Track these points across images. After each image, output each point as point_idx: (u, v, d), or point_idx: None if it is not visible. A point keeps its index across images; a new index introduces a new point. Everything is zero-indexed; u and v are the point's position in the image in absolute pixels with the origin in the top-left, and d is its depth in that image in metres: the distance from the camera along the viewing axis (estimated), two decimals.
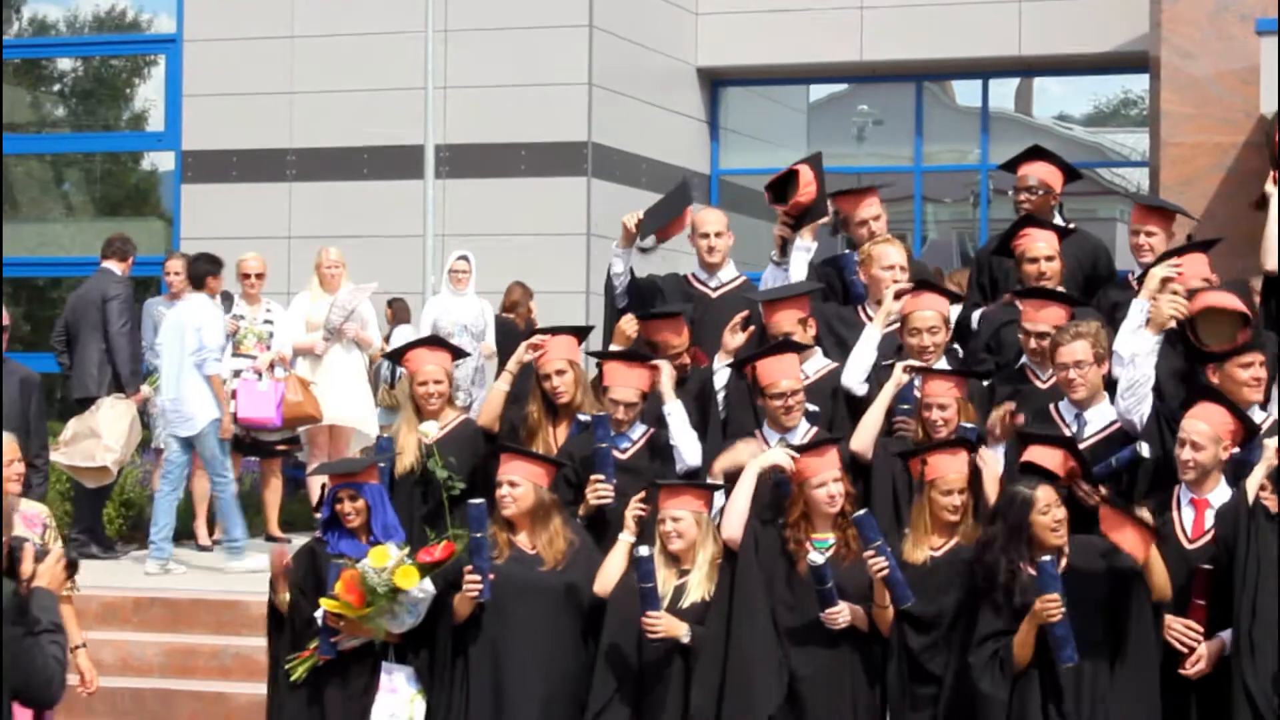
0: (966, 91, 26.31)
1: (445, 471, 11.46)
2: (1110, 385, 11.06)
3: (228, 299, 17.52)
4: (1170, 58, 20.73)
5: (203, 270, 16.61)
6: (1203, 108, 20.20)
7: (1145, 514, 10.08)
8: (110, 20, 26.18)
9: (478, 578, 10.43)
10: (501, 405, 11.98)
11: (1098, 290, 12.49)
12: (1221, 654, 9.87)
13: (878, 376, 11.50)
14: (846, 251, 12.79)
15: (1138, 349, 10.93)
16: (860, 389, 11.71)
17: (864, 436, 11.33)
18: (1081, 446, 10.95)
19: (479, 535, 10.44)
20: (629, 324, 11.94)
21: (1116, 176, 25.54)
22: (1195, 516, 10.41)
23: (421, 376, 11.55)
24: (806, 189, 12.73)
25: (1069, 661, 9.89)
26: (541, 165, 23.32)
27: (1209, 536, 10.33)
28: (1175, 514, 10.47)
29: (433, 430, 11.64)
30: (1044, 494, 9.86)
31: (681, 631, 10.32)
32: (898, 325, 11.51)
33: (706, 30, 25.59)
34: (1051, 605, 9.53)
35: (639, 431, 11.59)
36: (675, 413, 11.47)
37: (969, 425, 10.97)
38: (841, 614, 10.36)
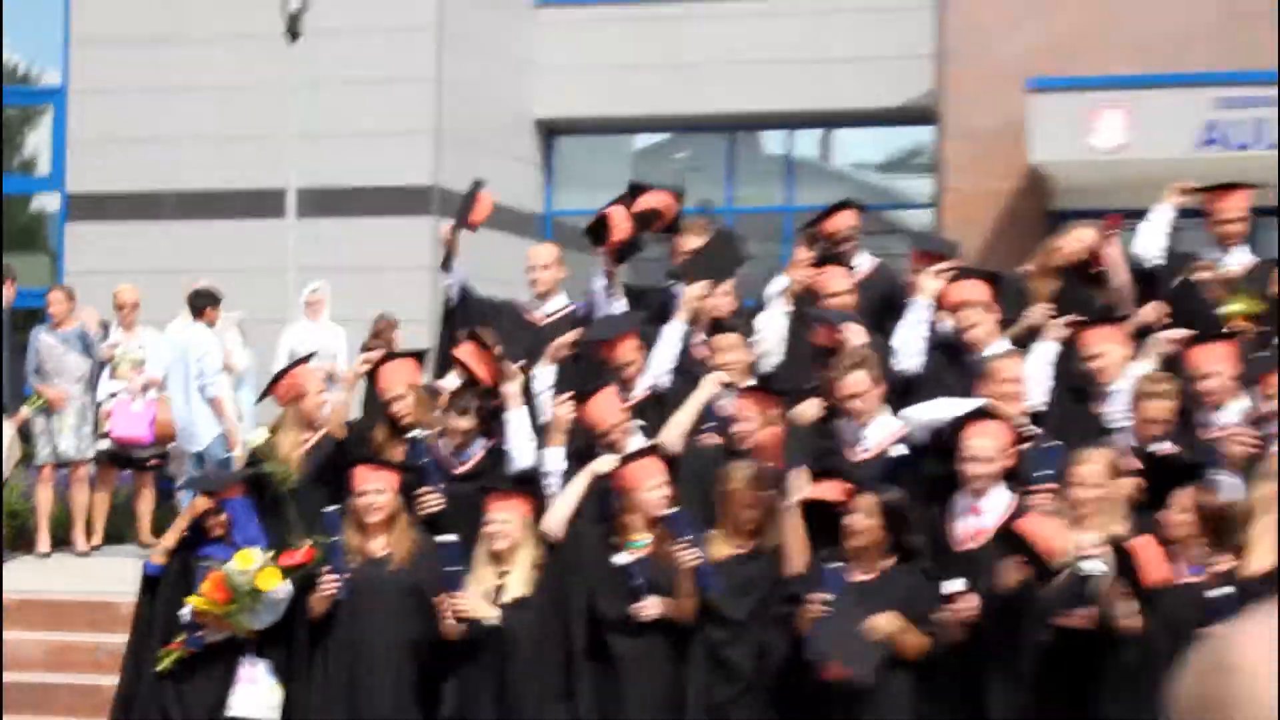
0: (772, 141, 26.35)
1: (278, 467, 11.44)
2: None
3: (105, 328, 17.45)
4: (952, 113, 20.93)
5: (202, 303, 16.91)
6: (979, 158, 20.41)
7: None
8: (3, 73, 25.91)
9: (335, 578, 10.42)
10: (344, 415, 12.03)
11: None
12: None
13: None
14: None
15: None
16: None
17: (673, 434, 11.30)
18: (863, 458, 10.99)
19: (335, 539, 10.53)
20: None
21: (906, 217, 25.66)
22: (974, 522, 10.39)
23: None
24: (620, 229, 12.68)
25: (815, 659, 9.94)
26: (392, 205, 23.26)
27: (984, 541, 10.33)
28: (948, 520, 10.46)
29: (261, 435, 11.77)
30: None
31: (489, 615, 10.32)
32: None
33: (543, 85, 25.56)
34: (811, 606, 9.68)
35: (479, 446, 11.53)
36: (514, 420, 11.41)
37: None
38: (647, 608, 10.33)
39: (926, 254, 12.81)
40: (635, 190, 13.06)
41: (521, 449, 11.41)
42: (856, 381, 11.05)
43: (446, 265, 12.81)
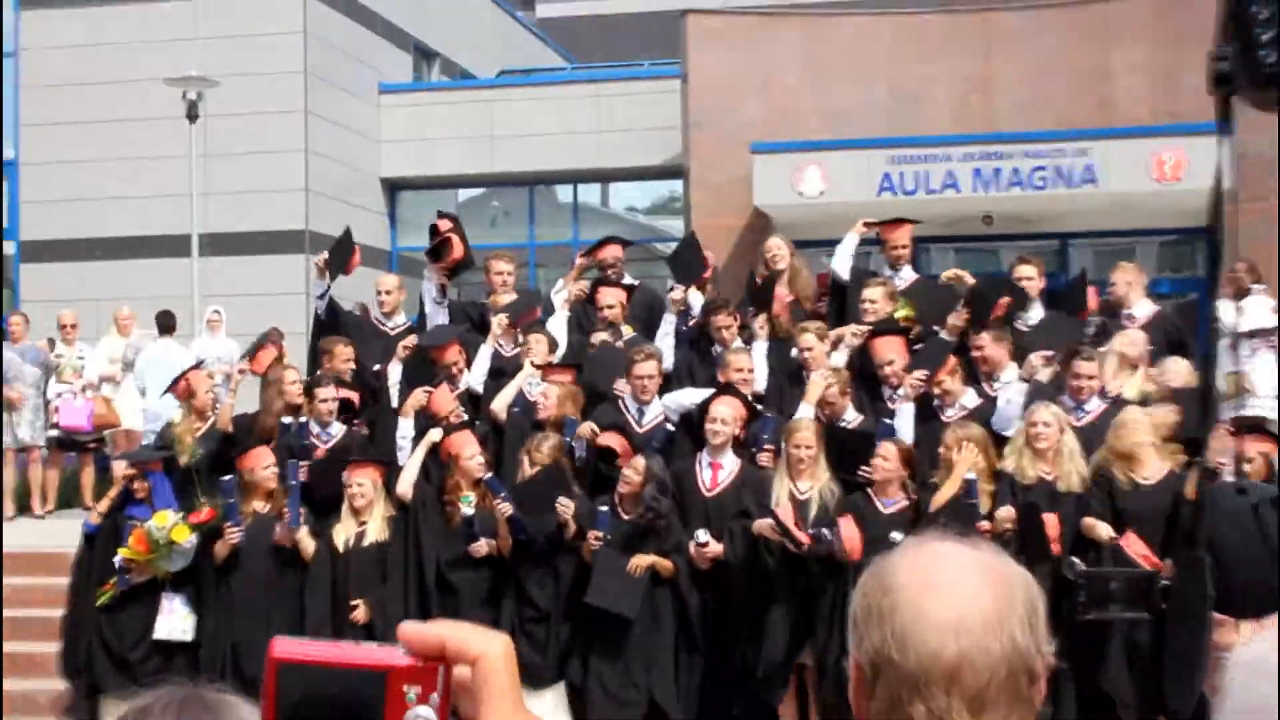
0: (564, 192, 26.46)
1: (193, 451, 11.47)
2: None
3: (51, 343, 17.29)
4: (696, 168, 21.11)
5: (169, 322, 17.45)
6: (717, 202, 20.61)
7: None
8: None
9: (237, 529, 10.45)
10: (230, 411, 12.13)
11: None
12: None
13: None
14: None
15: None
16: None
17: (497, 407, 11.42)
18: (642, 431, 11.13)
19: (231, 501, 10.64)
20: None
21: (664, 248, 25.86)
22: (712, 475, 10.58)
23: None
24: (457, 251, 12.79)
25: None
26: (273, 246, 23.11)
27: (722, 488, 10.50)
28: (697, 470, 10.63)
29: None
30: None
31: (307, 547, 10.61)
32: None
33: (387, 152, 25.53)
34: None
35: (337, 428, 11.54)
36: (404, 428, 11.44)
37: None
38: (480, 548, 10.43)
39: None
40: (441, 217, 13.19)
41: (407, 447, 11.45)
42: (648, 368, 11.21)
43: (323, 287, 12.87)
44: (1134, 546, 9.51)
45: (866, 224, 12.98)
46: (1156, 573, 8.79)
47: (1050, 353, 11.06)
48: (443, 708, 1.20)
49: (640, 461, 10.34)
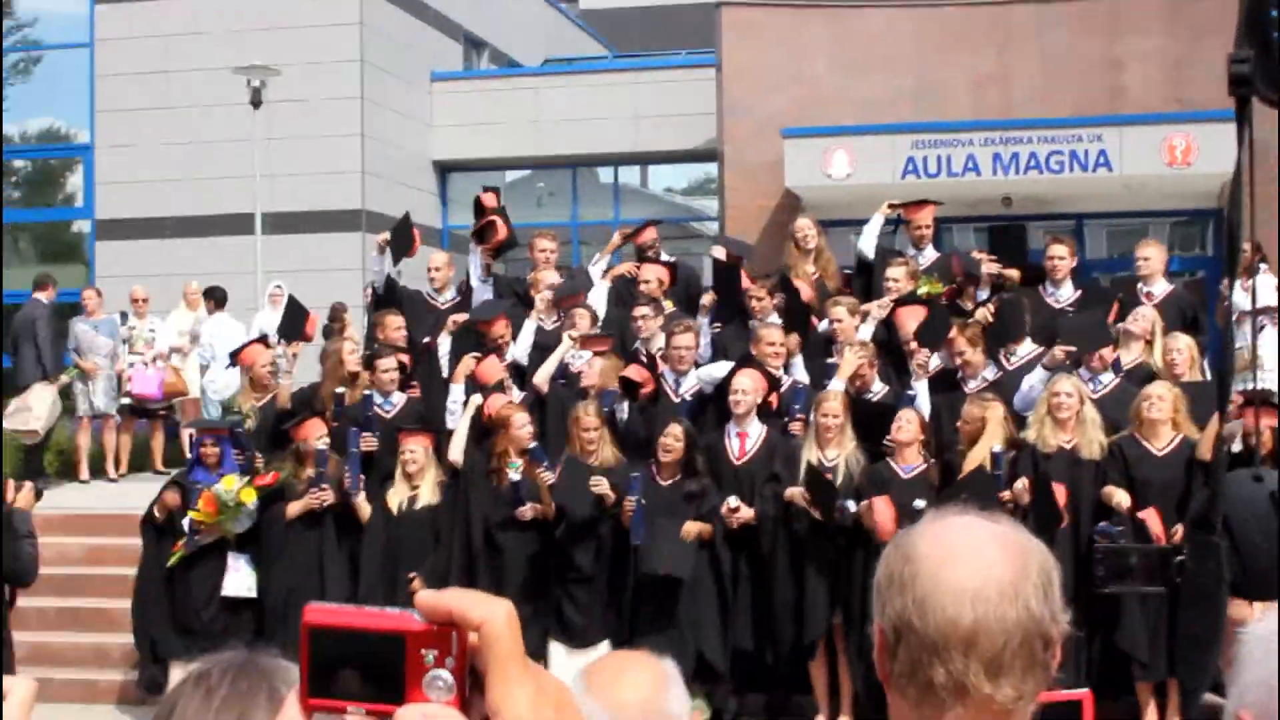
0: (605, 174, 26.40)
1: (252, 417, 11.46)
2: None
3: (124, 316, 17.38)
4: (730, 152, 21.06)
5: (220, 296, 17.79)
6: (750, 184, 20.55)
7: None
8: (50, 134, 25.61)
9: (324, 491, 10.46)
10: (290, 384, 12.11)
11: (698, 299, 12.70)
12: None
13: None
14: None
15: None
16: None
17: (540, 378, 11.42)
18: (677, 401, 11.12)
19: (322, 470, 10.83)
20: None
21: (702, 227, 25.83)
22: (740, 444, 10.56)
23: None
24: (501, 233, 12.81)
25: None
26: (331, 224, 23.13)
27: (750, 456, 10.48)
28: (726, 441, 10.61)
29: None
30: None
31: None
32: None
33: (438, 136, 25.47)
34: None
35: (398, 398, 11.55)
36: (455, 393, 11.42)
37: None
38: (525, 512, 10.44)
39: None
40: (485, 191, 13.20)
41: (457, 411, 11.43)
42: (686, 340, 11.20)
43: (382, 264, 12.90)
44: (1153, 523, 9.45)
45: (891, 205, 12.97)
46: (1174, 549, 8.74)
47: (1073, 349, 10.88)
48: (458, 669, 1.23)
49: (678, 429, 10.32)
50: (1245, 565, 1.55)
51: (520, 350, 12.01)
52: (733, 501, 10.10)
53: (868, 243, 12.74)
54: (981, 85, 20.63)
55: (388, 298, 12.94)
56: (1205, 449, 9.49)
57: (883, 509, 9.74)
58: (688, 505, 10.19)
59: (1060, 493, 9.66)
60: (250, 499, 10.76)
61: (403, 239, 12.90)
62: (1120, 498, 9.72)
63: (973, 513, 2.03)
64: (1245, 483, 1.55)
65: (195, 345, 17.56)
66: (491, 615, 1.24)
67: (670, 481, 10.26)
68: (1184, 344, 10.81)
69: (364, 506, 10.68)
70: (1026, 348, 11.09)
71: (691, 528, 10.07)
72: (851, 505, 9.86)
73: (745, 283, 12.20)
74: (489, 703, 1.23)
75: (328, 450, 10.85)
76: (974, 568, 1.92)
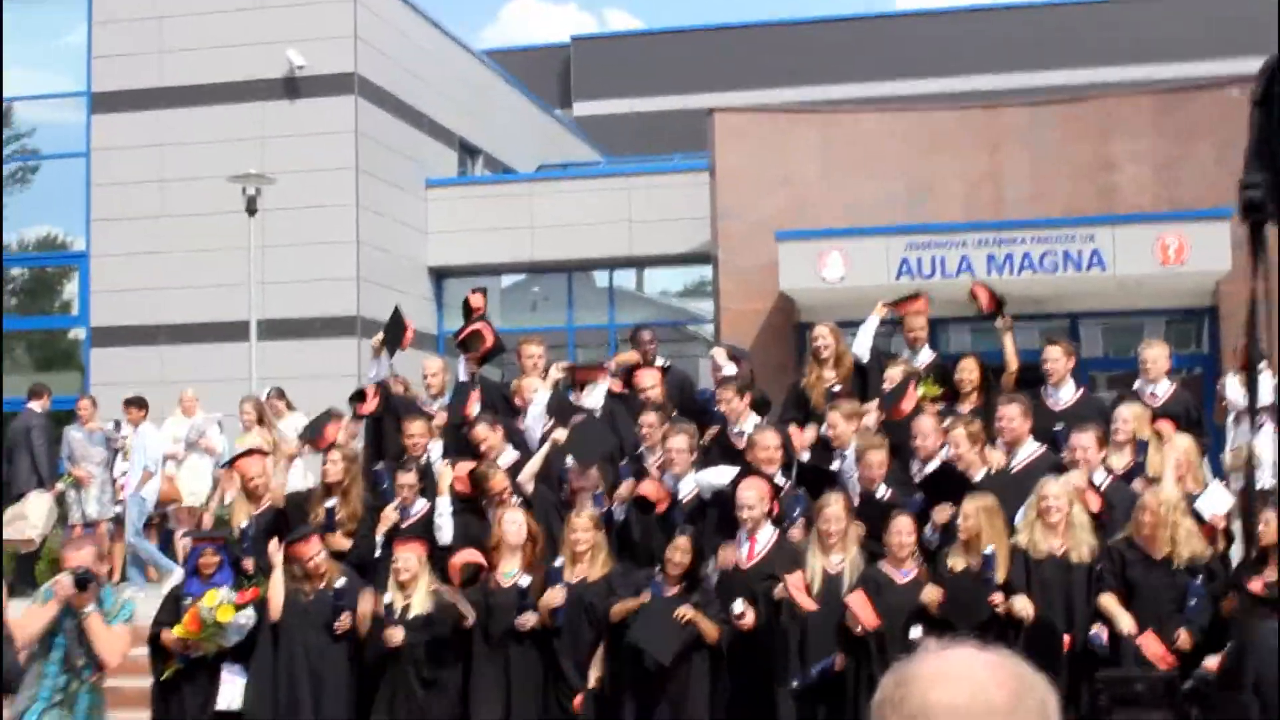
0: (601, 277, 26.38)
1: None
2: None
3: (117, 425, 17.26)
4: (724, 255, 21.04)
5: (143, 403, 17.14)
6: (745, 287, 20.52)
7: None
8: (46, 241, 25.59)
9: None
10: (284, 488, 11.98)
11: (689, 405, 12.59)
12: None
13: None
14: None
15: None
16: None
17: (523, 477, 11.30)
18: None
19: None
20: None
21: (697, 330, 25.76)
22: (749, 548, 10.37)
23: None
24: (487, 341, 12.73)
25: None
26: (327, 331, 23.05)
27: (758, 560, 10.29)
28: (740, 549, 10.42)
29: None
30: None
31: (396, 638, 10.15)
32: None
33: (433, 242, 25.49)
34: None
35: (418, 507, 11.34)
36: (441, 506, 11.25)
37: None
38: (528, 621, 10.24)
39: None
40: (474, 293, 13.13)
41: (445, 529, 11.27)
42: (681, 443, 11.06)
43: (379, 367, 12.82)
44: (1151, 647, 9.26)
45: (886, 305, 12.89)
46: (1178, 674, 8.54)
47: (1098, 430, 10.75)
48: None
49: (685, 541, 10.15)
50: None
51: (532, 420, 11.95)
52: (738, 607, 9.89)
53: (863, 345, 12.64)
54: (974, 186, 20.67)
55: (390, 407, 12.80)
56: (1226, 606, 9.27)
57: (859, 602, 9.64)
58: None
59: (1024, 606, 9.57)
60: (228, 617, 10.53)
61: (395, 331, 12.84)
62: (1124, 623, 9.53)
63: (973, 645, 2.01)
64: (1272, 636, 1.43)
65: (190, 452, 17.39)
66: None
67: (674, 591, 10.08)
68: (1183, 446, 10.64)
69: (396, 634, 10.41)
70: (1028, 448, 10.93)
71: (687, 611, 9.86)
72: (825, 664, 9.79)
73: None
74: None
75: (316, 569, 10.65)
76: (964, 688, 1.90)
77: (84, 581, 8.00)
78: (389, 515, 11.23)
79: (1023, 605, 9.52)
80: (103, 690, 8.55)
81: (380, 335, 12.88)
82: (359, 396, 12.97)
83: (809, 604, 9.77)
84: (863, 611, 9.62)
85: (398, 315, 13.02)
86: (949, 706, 1.88)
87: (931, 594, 9.72)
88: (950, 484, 10.38)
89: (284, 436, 15.77)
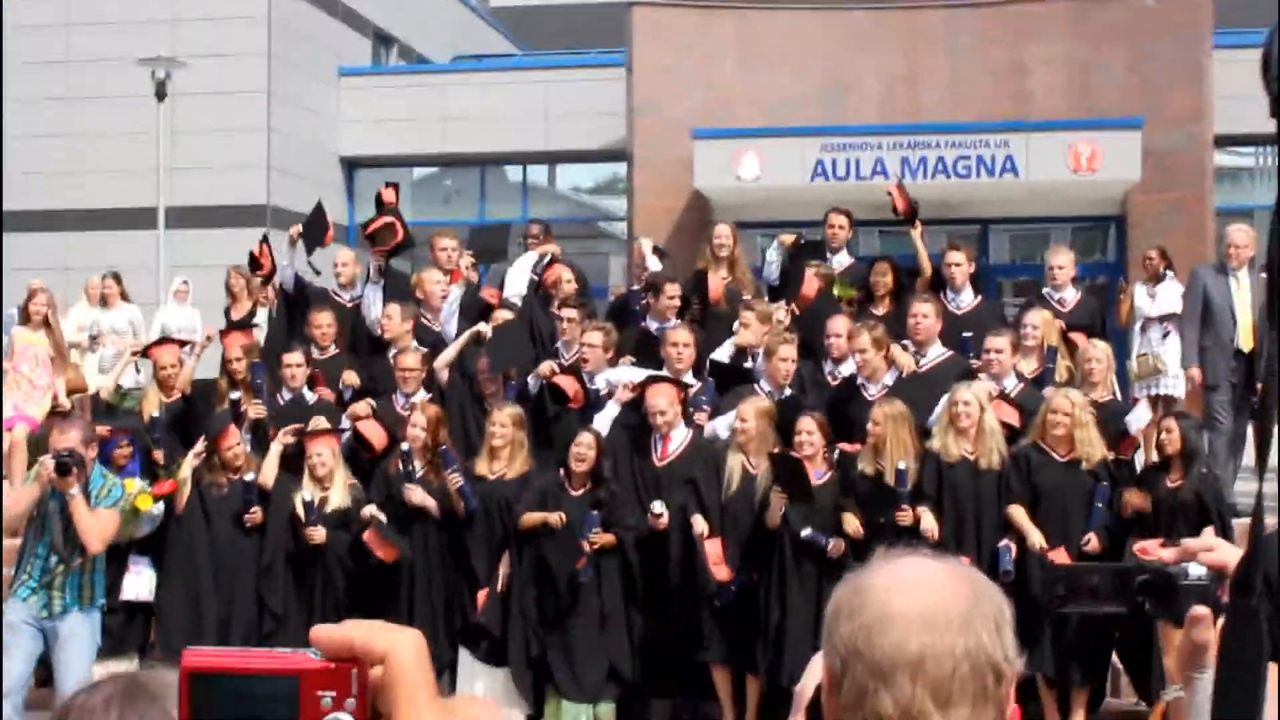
0: (514, 172, 26.12)
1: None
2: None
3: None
4: (639, 152, 20.88)
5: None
6: (659, 185, 20.38)
7: None
8: None
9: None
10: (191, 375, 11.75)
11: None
12: None
13: None
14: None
15: None
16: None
17: (439, 364, 11.20)
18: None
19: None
20: None
21: (610, 226, 25.61)
22: (663, 446, 10.31)
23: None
24: (397, 235, 12.50)
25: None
26: (237, 220, 22.62)
27: (672, 459, 10.23)
28: (651, 443, 10.36)
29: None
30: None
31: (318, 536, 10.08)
32: None
33: (346, 132, 25.10)
34: None
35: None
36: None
37: None
38: (415, 492, 10.13)
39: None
40: (379, 199, 12.90)
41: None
42: (595, 338, 10.96)
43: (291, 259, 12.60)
44: (1062, 560, 9.29)
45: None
46: (1126, 568, 8.58)
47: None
48: (359, 710, 1.09)
49: (589, 437, 10.06)
50: None
51: (446, 318, 11.81)
52: (657, 507, 9.84)
53: (772, 271, 12.58)
54: (890, 88, 20.57)
55: (297, 295, 12.63)
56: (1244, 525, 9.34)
57: (713, 548, 9.77)
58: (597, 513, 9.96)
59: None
60: (146, 505, 10.34)
61: (316, 229, 12.60)
62: (1035, 538, 9.60)
63: (925, 552, 2.01)
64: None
65: (96, 342, 16.98)
66: (397, 645, 1.10)
67: (581, 492, 10.00)
68: (1102, 353, 10.66)
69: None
70: (936, 350, 10.90)
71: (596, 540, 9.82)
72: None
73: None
74: None
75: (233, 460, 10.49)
76: (923, 595, 1.89)
77: (64, 466, 7.99)
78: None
79: (929, 525, 9.54)
80: (95, 573, 8.59)
81: (298, 227, 12.64)
82: (255, 265, 12.78)
83: (722, 574, 9.77)
84: (714, 555, 9.76)
85: (320, 211, 12.78)
86: (906, 612, 1.88)
87: (851, 523, 9.67)
88: (734, 375, 10.70)
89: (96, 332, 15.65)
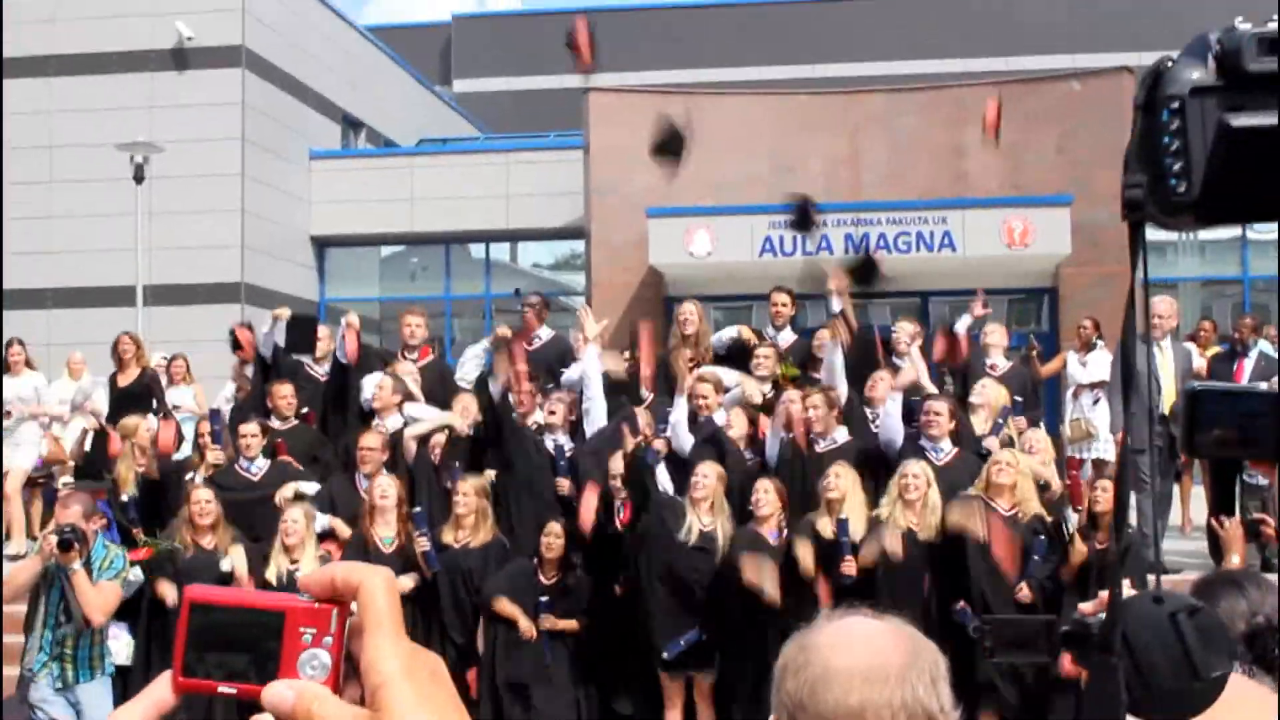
0: (477, 249, 26.27)
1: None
2: None
3: None
4: (596, 230, 21.06)
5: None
6: (616, 261, 20.56)
7: None
8: None
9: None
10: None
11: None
12: None
13: None
14: None
15: None
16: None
17: (406, 437, 11.24)
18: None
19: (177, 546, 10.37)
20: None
21: (570, 301, 25.77)
22: (625, 514, 10.41)
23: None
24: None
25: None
26: (212, 297, 22.72)
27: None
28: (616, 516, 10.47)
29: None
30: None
31: None
32: None
33: (316, 212, 25.22)
34: None
35: (263, 463, 11.22)
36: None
37: None
38: (405, 582, 10.20)
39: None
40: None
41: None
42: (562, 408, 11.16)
43: (269, 339, 12.58)
44: (1002, 550, 9.56)
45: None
46: (1053, 620, 8.74)
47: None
48: (335, 649, 1.16)
49: (558, 527, 10.17)
50: (1147, 684, 1.52)
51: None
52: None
53: (725, 332, 12.75)
54: (834, 168, 20.85)
55: (275, 367, 12.66)
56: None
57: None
58: (566, 601, 10.09)
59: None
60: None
61: (304, 335, 12.55)
62: (975, 527, 9.78)
63: (867, 612, 2.09)
64: (1145, 604, 1.52)
65: (76, 414, 17.00)
66: (369, 578, 1.18)
67: (553, 580, 10.12)
68: (1043, 439, 10.94)
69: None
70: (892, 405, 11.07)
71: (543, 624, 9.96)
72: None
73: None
74: (363, 662, 1.15)
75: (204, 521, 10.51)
76: (863, 652, 1.97)
77: (67, 542, 7.98)
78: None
79: (870, 554, 9.68)
80: (102, 644, 8.58)
81: (285, 310, 12.64)
82: (235, 344, 12.84)
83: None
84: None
85: (313, 322, 12.89)
86: (848, 669, 1.95)
87: (806, 557, 9.80)
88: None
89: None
